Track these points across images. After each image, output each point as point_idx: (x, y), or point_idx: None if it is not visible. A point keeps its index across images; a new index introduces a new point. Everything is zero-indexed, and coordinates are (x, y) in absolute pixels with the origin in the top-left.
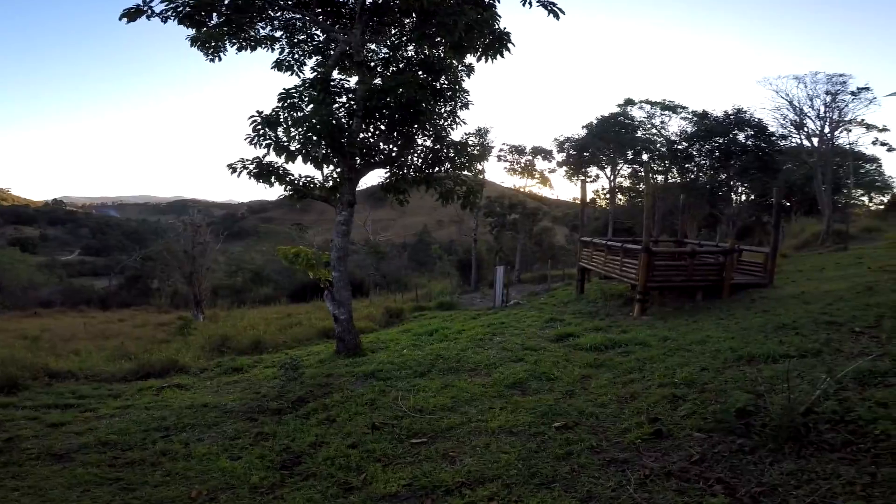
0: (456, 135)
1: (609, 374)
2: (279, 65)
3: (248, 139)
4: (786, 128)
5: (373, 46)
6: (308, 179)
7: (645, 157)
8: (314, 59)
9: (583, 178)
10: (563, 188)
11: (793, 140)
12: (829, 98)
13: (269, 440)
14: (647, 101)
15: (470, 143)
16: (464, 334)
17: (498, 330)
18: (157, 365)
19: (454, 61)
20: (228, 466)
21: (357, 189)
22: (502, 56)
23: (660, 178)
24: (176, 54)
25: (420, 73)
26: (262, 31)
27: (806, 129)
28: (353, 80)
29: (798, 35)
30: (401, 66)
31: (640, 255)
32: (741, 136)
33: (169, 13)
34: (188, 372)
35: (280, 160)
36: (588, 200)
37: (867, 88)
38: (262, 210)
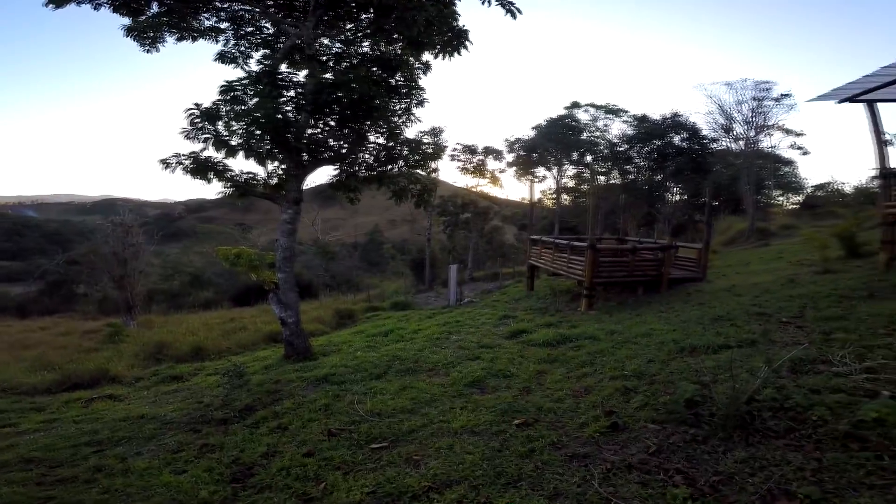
0: (410, 132)
1: (563, 369)
2: (222, 57)
3: (185, 133)
4: (716, 131)
5: (325, 41)
6: (250, 176)
7: (589, 158)
8: (261, 51)
9: (531, 178)
10: (512, 188)
11: (722, 143)
12: (755, 104)
13: (216, 452)
14: (592, 105)
15: (424, 141)
16: (420, 334)
17: (454, 328)
18: (85, 375)
19: (411, 58)
20: (173, 481)
21: (304, 187)
22: (459, 54)
23: (602, 178)
24: (104, 44)
25: (374, 69)
26: (206, 21)
27: (734, 132)
28: (303, 74)
29: (735, 42)
30: (354, 62)
31: (585, 253)
32: (676, 139)
33: (102, 0)
34: (121, 382)
35: (219, 155)
36: (535, 200)
37: (788, 95)
38: (201, 209)
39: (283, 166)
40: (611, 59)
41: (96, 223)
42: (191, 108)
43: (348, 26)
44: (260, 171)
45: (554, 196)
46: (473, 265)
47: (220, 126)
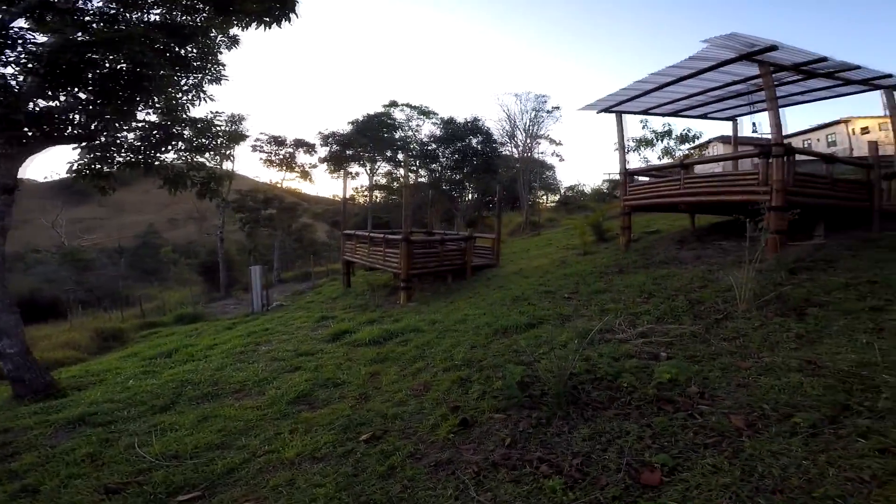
0: (200, 111)
1: (396, 368)
2: None
3: None
4: (503, 137)
5: (97, 3)
6: None
7: (401, 156)
8: None
9: (346, 173)
10: (323, 185)
11: (507, 148)
12: (533, 114)
13: None
14: (408, 105)
15: (216, 123)
16: (217, 349)
17: (262, 338)
18: None
19: (215, 30)
20: None
21: (49, 180)
22: (280, 25)
23: (412, 176)
24: None
25: (159, 35)
26: None
27: (515, 139)
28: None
29: (534, 50)
30: (138, 26)
31: (401, 245)
32: (474, 142)
33: None
34: None
35: None
36: (349, 196)
37: (558, 108)
38: None
39: None
40: (430, 59)
41: None
42: None
43: None
44: None
45: (366, 193)
46: (281, 265)
47: None
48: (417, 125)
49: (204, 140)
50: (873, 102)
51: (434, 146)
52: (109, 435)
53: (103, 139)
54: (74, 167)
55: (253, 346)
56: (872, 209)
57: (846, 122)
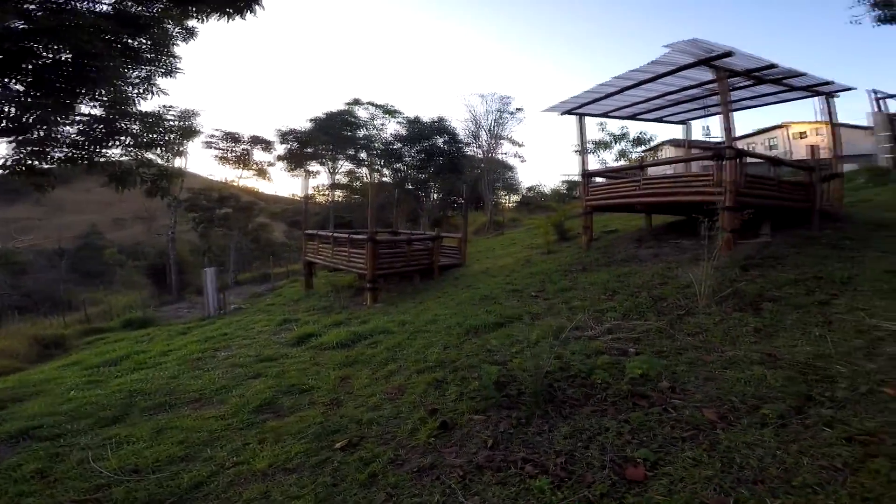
0: (151, 105)
1: (367, 371)
2: None
3: None
4: (468, 137)
5: None
6: None
7: (364, 155)
8: None
9: (306, 170)
10: (281, 183)
11: (471, 148)
12: (497, 115)
13: None
14: (372, 104)
15: (168, 117)
16: (171, 356)
17: (220, 343)
18: None
19: (171, 21)
20: None
21: None
22: (244, 17)
23: (376, 175)
24: None
25: (108, 25)
26: None
27: (480, 139)
28: None
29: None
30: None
31: (366, 245)
32: (440, 142)
33: None
34: None
35: None
36: (309, 195)
37: (521, 109)
38: None
39: None
40: (396, 57)
41: None
42: None
43: None
44: None
45: (327, 192)
46: (237, 267)
47: None
48: (382, 124)
49: (154, 135)
50: (807, 109)
51: (399, 145)
52: (58, 449)
53: (40, 133)
54: (8, 163)
55: (210, 351)
56: (813, 209)
57: (785, 126)
